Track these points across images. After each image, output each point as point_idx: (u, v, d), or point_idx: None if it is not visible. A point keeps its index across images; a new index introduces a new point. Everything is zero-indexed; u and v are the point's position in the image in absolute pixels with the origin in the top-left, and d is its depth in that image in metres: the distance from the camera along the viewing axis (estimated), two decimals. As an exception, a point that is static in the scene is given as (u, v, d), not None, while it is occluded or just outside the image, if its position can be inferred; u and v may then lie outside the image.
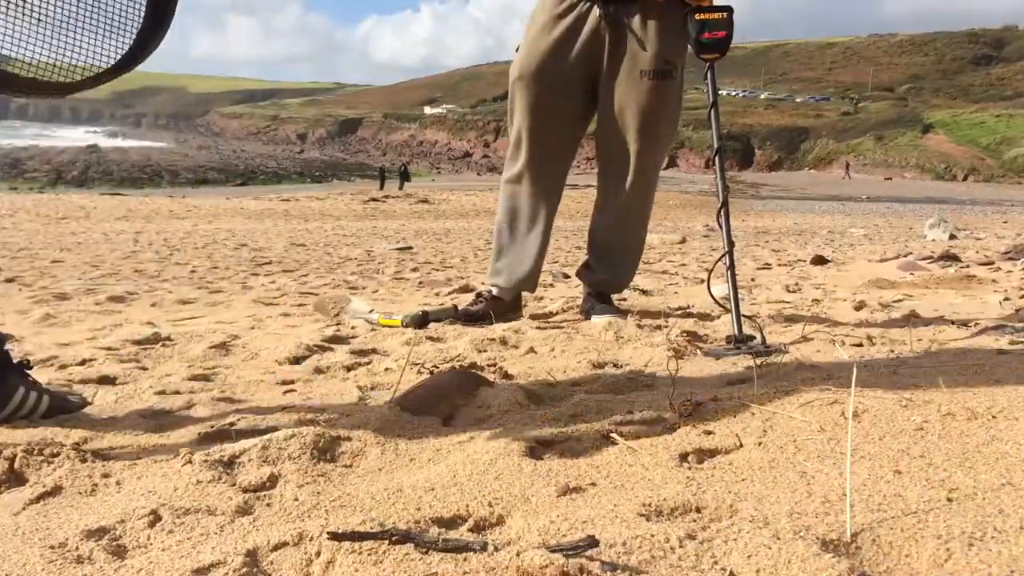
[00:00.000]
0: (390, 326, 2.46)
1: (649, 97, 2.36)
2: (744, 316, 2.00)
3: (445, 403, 1.42)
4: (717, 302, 2.17)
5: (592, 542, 0.78)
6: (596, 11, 2.34)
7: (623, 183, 2.47)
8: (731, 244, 2.08)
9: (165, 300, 3.60)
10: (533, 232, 2.54)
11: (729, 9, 2.18)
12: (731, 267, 2.05)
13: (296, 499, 0.99)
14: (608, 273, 2.62)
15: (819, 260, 5.46)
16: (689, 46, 2.24)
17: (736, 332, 1.94)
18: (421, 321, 2.43)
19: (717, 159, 2.18)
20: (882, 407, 1.20)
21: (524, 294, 2.71)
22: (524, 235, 2.55)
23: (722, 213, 2.12)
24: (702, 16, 2.18)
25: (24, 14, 1.11)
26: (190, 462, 1.11)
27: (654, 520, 0.87)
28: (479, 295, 2.65)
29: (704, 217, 19.64)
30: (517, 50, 2.46)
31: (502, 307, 2.59)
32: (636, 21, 2.34)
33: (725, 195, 2.12)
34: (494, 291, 2.59)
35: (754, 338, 1.94)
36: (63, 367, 1.93)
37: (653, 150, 2.45)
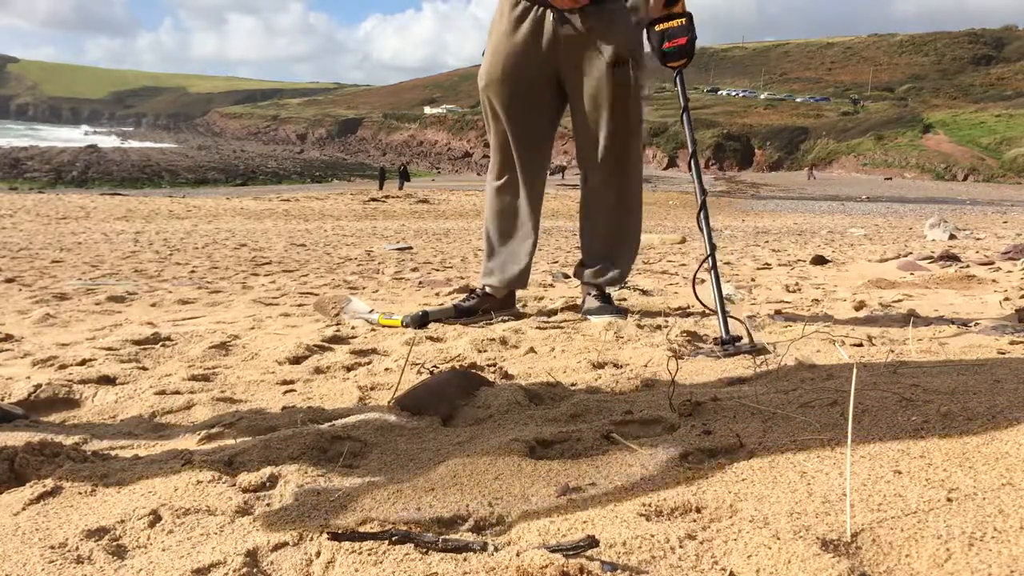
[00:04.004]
0: (390, 326, 2.46)
1: (619, 88, 2.42)
2: (732, 317, 2.01)
3: (445, 403, 1.42)
4: (705, 306, 2.18)
5: (592, 542, 0.78)
6: (550, 15, 2.40)
7: (605, 179, 2.53)
8: (712, 247, 2.11)
9: (165, 300, 3.60)
10: (522, 230, 2.61)
11: (687, 15, 2.22)
12: (714, 269, 2.07)
13: (296, 499, 0.99)
14: (603, 269, 2.63)
15: (819, 260, 5.46)
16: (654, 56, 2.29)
17: (723, 334, 1.95)
18: (421, 321, 2.44)
19: (693, 162, 2.22)
20: (882, 407, 1.20)
21: (521, 292, 2.74)
22: (513, 234, 2.62)
23: (701, 216, 2.14)
24: (661, 26, 2.24)
25: None
26: (190, 462, 1.11)
27: (654, 520, 0.87)
28: (472, 291, 2.73)
29: (704, 217, 19.62)
30: (483, 55, 2.52)
31: (495, 303, 2.64)
32: (591, 21, 2.38)
33: (703, 198, 2.15)
34: (487, 289, 2.63)
35: (741, 338, 1.94)
36: (63, 367, 1.93)
37: (629, 140, 2.51)
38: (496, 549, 0.80)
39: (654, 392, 1.49)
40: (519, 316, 2.64)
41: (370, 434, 1.25)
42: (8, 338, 2.42)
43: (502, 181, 2.58)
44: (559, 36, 2.40)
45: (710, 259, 2.09)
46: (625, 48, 2.39)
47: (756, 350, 1.84)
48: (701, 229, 2.14)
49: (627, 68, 2.41)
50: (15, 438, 1.28)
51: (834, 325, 2.30)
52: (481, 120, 2.65)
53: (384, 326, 2.47)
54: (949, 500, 0.85)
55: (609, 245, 2.62)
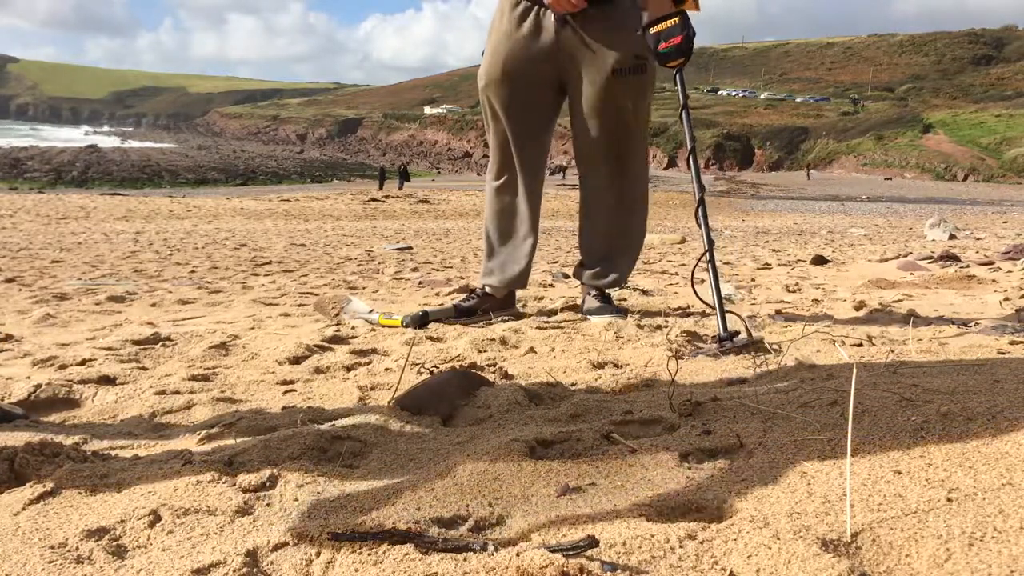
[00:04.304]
0: (390, 326, 2.46)
1: (623, 94, 2.42)
2: (730, 312, 2.02)
3: (445, 403, 1.42)
4: (705, 303, 2.17)
5: (592, 542, 0.78)
6: (551, 16, 2.39)
7: (605, 181, 2.53)
8: (711, 243, 2.11)
9: (165, 300, 3.60)
10: (521, 230, 2.61)
11: (680, 14, 2.21)
12: (712, 265, 2.08)
13: (296, 499, 0.99)
14: (602, 271, 2.63)
15: (819, 260, 5.46)
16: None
17: (721, 331, 1.95)
18: (421, 321, 2.44)
19: (691, 159, 2.23)
20: (882, 407, 1.20)
21: (521, 292, 2.74)
22: (513, 234, 2.61)
23: (699, 212, 2.15)
24: (656, 28, 2.22)
25: None
26: (190, 462, 1.11)
27: (654, 520, 0.87)
28: (472, 291, 2.72)
29: (704, 217, 19.61)
30: (483, 55, 2.52)
31: (495, 303, 2.64)
32: (595, 25, 2.37)
33: (701, 194, 2.16)
34: (487, 289, 2.63)
35: (739, 333, 1.96)
36: (63, 367, 1.93)
37: (631, 142, 2.51)
38: (496, 549, 0.80)
39: (654, 392, 1.49)
40: (519, 316, 2.64)
41: (370, 434, 1.25)
42: (8, 338, 2.42)
43: (502, 181, 2.58)
44: (560, 37, 2.39)
45: (708, 255, 2.09)
46: (629, 54, 2.37)
47: (754, 345, 1.84)
48: (699, 225, 2.14)
49: (638, 76, 2.40)
50: (15, 438, 1.28)
51: (834, 325, 2.30)
52: (481, 120, 2.65)
53: (384, 326, 2.47)
54: (949, 500, 0.85)
55: (608, 247, 2.62)
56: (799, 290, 3.69)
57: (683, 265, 5.73)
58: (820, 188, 44.27)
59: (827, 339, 2.00)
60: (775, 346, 1.87)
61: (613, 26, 2.37)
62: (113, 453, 1.26)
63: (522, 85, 2.45)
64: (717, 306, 1.99)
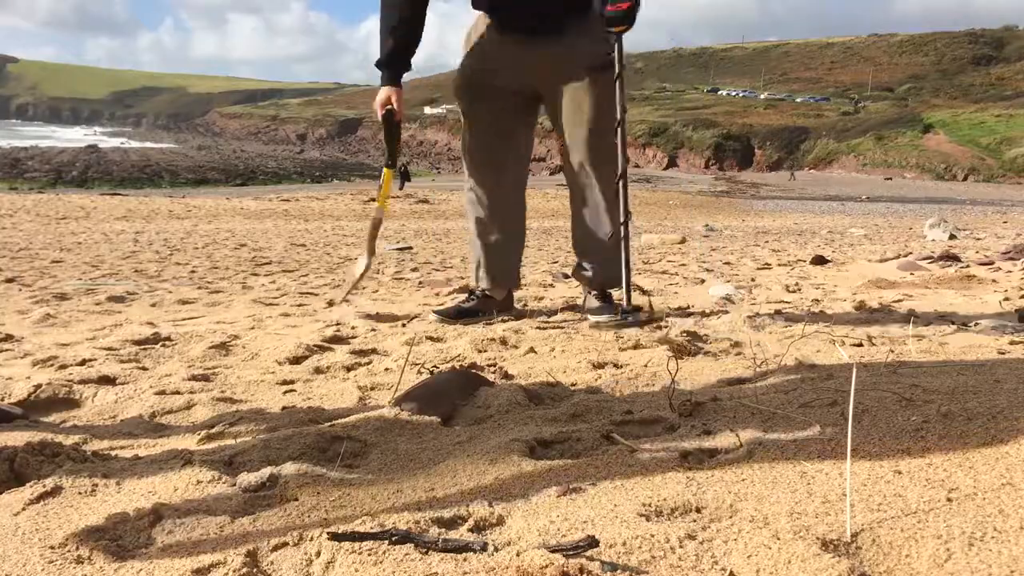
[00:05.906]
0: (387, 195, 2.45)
1: (598, 91, 2.46)
2: (635, 287, 2.16)
3: (445, 403, 1.42)
4: (642, 291, 2.27)
5: (592, 542, 0.78)
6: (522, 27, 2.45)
7: (590, 180, 2.56)
8: (627, 214, 2.31)
9: (165, 300, 3.60)
10: (507, 231, 2.63)
11: None
12: (625, 241, 2.28)
13: (296, 499, 0.99)
14: (601, 270, 2.63)
15: (819, 260, 5.46)
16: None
17: (624, 303, 2.16)
18: (453, 315, 2.48)
19: (620, 129, 2.35)
20: (882, 407, 1.20)
21: (521, 292, 2.75)
22: (497, 236, 2.62)
23: (620, 185, 2.34)
24: None
25: None
26: (190, 462, 1.11)
27: (654, 520, 0.87)
28: (471, 292, 2.71)
29: (704, 217, 19.64)
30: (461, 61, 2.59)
31: (495, 305, 2.65)
32: (570, 30, 2.42)
33: (624, 166, 2.34)
34: (486, 292, 2.64)
35: (641, 308, 2.06)
36: (63, 367, 1.93)
37: (607, 141, 2.54)
38: (496, 549, 0.80)
39: (654, 392, 1.49)
40: (519, 316, 2.65)
41: (370, 434, 1.25)
42: (8, 338, 2.42)
43: (479, 183, 2.61)
44: (531, 48, 2.43)
45: (622, 228, 2.30)
46: (600, 52, 2.42)
47: (652, 320, 2.03)
48: (617, 196, 2.33)
49: (601, 71, 2.44)
50: (15, 438, 1.28)
51: (834, 325, 2.30)
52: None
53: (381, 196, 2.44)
54: (949, 500, 0.85)
55: (602, 245, 2.62)
56: (799, 290, 3.69)
57: (683, 265, 5.73)
58: (820, 188, 44.28)
59: (827, 339, 2.00)
60: (669, 315, 2.00)
61: (585, 30, 2.42)
62: (113, 453, 1.26)
63: (490, 91, 2.50)
64: (624, 280, 2.20)
